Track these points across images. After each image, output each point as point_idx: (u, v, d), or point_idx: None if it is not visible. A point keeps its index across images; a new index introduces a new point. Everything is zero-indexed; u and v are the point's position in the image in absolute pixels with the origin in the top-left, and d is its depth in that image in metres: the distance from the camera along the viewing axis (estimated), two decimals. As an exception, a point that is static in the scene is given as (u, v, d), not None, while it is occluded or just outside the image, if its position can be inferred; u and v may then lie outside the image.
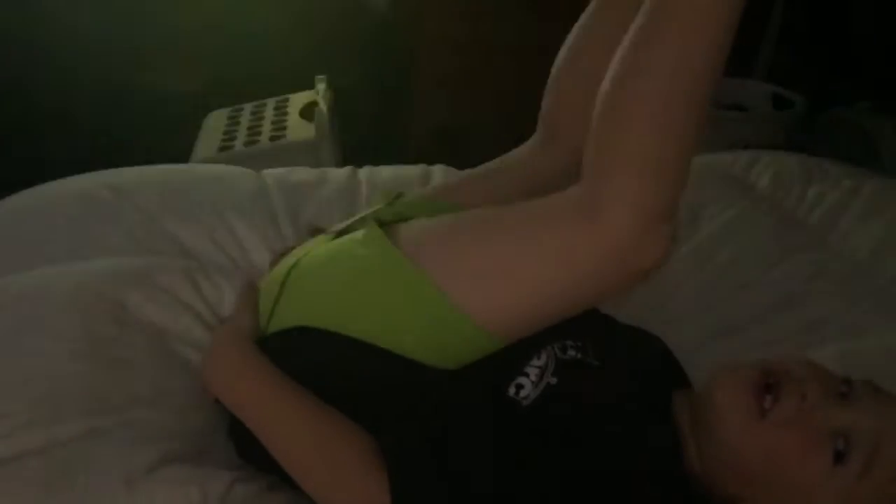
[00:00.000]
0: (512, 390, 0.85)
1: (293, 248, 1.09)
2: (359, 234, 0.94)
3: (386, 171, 1.55)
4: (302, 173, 1.48)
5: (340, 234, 1.01)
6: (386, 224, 0.95)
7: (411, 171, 1.56)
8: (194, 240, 1.23)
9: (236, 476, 0.89)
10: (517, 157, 1.14)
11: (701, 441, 0.85)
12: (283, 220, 1.31)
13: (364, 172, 1.53)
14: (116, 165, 1.44)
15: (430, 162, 1.63)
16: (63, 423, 0.86)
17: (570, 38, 1.08)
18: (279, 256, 1.12)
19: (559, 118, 1.08)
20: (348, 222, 1.04)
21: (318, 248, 0.99)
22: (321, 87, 2.15)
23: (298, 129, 2.06)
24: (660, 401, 0.90)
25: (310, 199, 1.38)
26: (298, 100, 2.20)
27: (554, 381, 0.85)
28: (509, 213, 0.86)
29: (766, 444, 0.80)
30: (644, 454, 0.83)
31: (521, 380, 0.85)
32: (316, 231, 1.15)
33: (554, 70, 1.09)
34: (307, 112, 2.11)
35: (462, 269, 0.84)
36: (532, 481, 0.76)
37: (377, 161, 1.62)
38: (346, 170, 1.53)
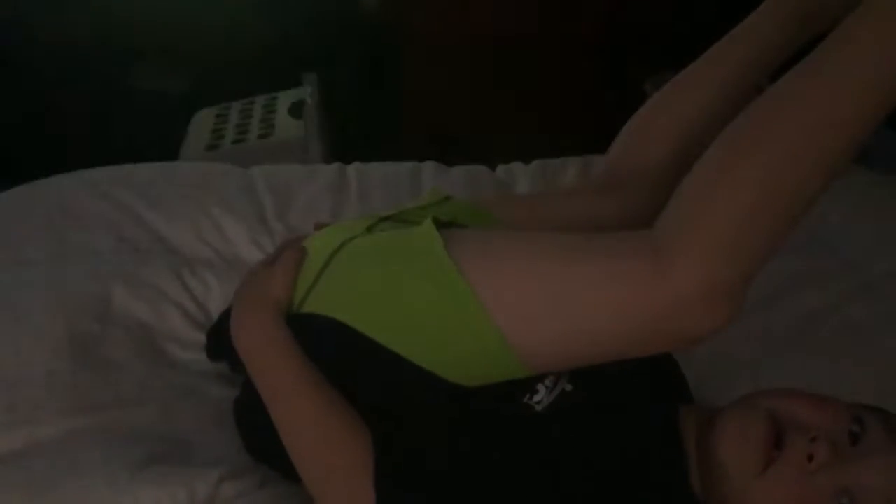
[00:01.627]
0: (527, 397, 0.84)
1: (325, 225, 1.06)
2: (413, 232, 0.88)
3: (375, 168, 1.54)
4: (290, 170, 1.47)
5: (384, 219, 0.98)
6: (440, 225, 0.88)
7: (401, 168, 1.55)
8: (179, 236, 1.21)
9: (224, 474, 0.87)
10: (578, 193, 1.12)
11: (703, 474, 0.83)
12: (271, 216, 1.29)
13: (353, 169, 1.52)
14: (103, 164, 1.42)
15: (421, 160, 1.62)
16: (44, 425, 0.85)
17: (659, 94, 1.07)
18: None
19: (627, 170, 1.06)
20: (396, 209, 1.01)
21: (362, 232, 0.94)
22: (310, 84, 2.14)
23: (287, 128, 2.04)
24: (670, 414, 0.88)
25: (298, 194, 1.36)
26: (287, 98, 2.18)
27: (569, 387, 0.85)
28: (572, 247, 0.79)
29: (767, 503, 0.78)
30: (652, 467, 0.82)
31: (538, 386, 0.84)
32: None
33: (634, 120, 1.08)
34: (296, 110, 2.10)
35: (514, 299, 0.78)
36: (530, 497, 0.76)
37: (367, 159, 1.61)
38: (335, 166, 1.51)
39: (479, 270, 0.79)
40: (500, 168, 1.59)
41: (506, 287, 0.78)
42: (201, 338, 1.06)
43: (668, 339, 0.76)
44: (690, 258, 0.70)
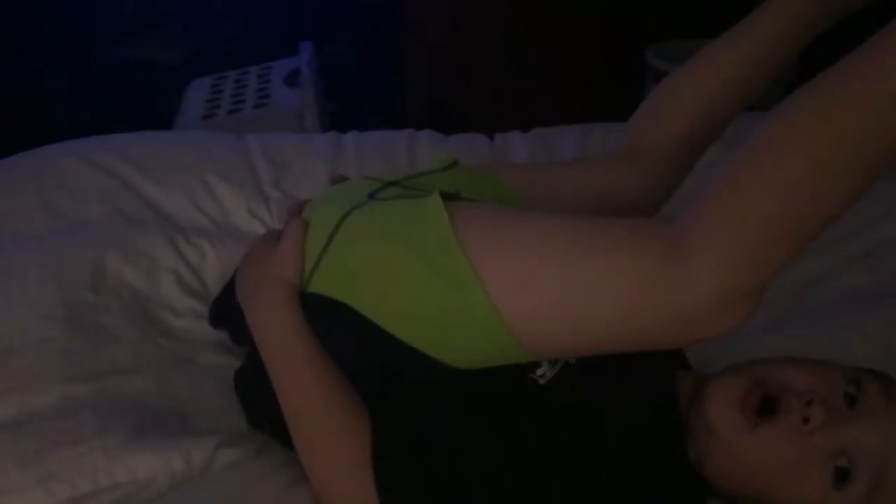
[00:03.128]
0: (530, 370, 0.83)
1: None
2: (420, 206, 0.84)
3: (371, 137, 1.53)
4: (285, 138, 1.46)
5: (390, 184, 0.96)
6: (447, 197, 0.84)
7: (397, 136, 1.53)
8: (174, 204, 1.20)
9: (220, 441, 0.87)
10: (597, 163, 1.09)
11: (696, 440, 0.83)
12: (267, 183, 1.28)
13: (349, 137, 1.51)
14: (99, 134, 1.41)
15: (418, 128, 1.60)
16: (38, 393, 0.85)
17: (678, 69, 1.04)
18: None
19: (646, 146, 1.03)
20: (402, 174, 0.99)
21: (364, 200, 0.91)
22: (305, 53, 2.12)
23: (283, 97, 2.03)
24: (668, 384, 0.88)
25: (294, 162, 1.35)
26: (283, 67, 2.17)
27: (573, 360, 0.84)
28: (585, 235, 0.75)
29: (759, 458, 0.78)
30: (650, 438, 0.82)
31: (542, 360, 0.83)
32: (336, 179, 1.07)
33: (657, 90, 1.05)
34: (291, 79, 2.08)
35: (519, 286, 0.75)
36: (530, 479, 0.75)
37: (364, 128, 1.59)
38: (331, 134, 1.50)
39: (484, 253, 0.77)
40: (498, 136, 1.58)
41: (512, 273, 0.75)
42: (196, 305, 1.05)
43: (677, 339, 0.74)
44: (708, 262, 0.67)
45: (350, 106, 2.32)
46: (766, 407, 0.79)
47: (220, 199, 1.23)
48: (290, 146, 1.40)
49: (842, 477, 0.75)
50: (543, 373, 0.83)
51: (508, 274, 0.75)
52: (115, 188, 1.20)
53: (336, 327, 0.83)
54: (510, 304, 0.75)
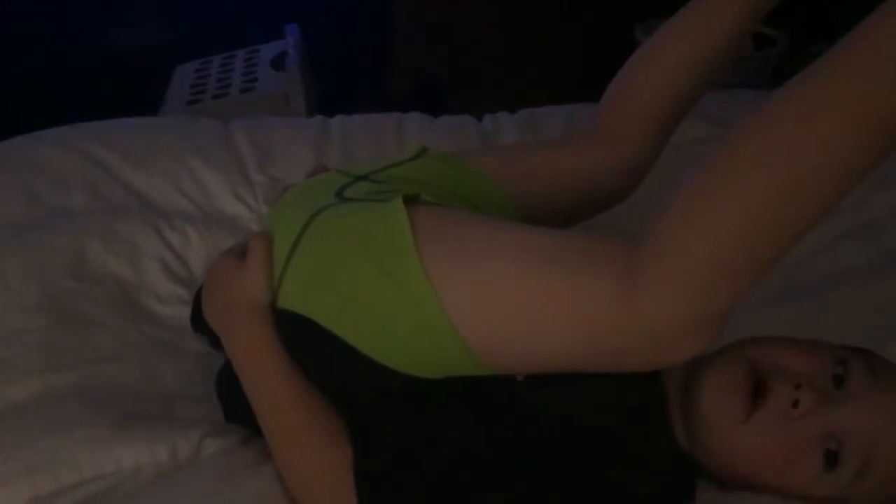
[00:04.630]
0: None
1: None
2: (381, 213, 0.82)
3: (358, 120, 1.51)
4: (271, 122, 1.44)
5: (360, 178, 0.94)
6: (410, 199, 0.83)
7: (385, 119, 1.52)
8: (157, 190, 1.19)
9: (206, 431, 0.86)
10: (569, 146, 1.08)
11: (689, 425, 0.82)
12: (252, 168, 1.27)
13: (336, 121, 1.49)
14: (80, 122, 1.39)
15: (406, 111, 1.58)
16: (19, 384, 0.84)
17: (646, 45, 1.02)
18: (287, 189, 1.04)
19: (619, 123, 1.01)
20: (372, 167, 0.98)
21: (331, 200, 0.89)
22: (292, 36, 2.09)
23: (269, 81, 2.00)
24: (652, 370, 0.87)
25: (279, 147, 1.34)
26: (269, 50, 2.14)
27: None
28: (545, 253, 0.74)
29: (751, 448, 0.77)
30: (636, 425, 0.80)
31: None
32: (320, 170, 1.06)
33: (622, 74, 1.03)
34: (278, 62, 2.06)
35: (476, 304, 0.74)
36: (510, 483, 0.75)
37: (351, 112, 1.58)
38: (317, 118, 1.49)
39: (444, 267, 0.75)
40: (487, 118, 1.56)
41: (470, 290, 0.74)
42: (182, 292, 1.04)
43: (635, 365, 0.73)
44: (664, 295, 0.65)
45: (338, 89, 2.30)
46: (757, 390, 0.78)
47: (205, 185, 1.22)
48: (275, 131, 1.39)
49: (832, 459, 0.74)
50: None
51: (466, 290, 0.75)
52: (97, 175, 1.19)
53: (304, 343, 0.82)
54: (468, 321, 0.74)
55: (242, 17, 2.35)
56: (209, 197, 1.21)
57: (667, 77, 0.99)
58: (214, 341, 0.93)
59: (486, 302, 0.74)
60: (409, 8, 2.48)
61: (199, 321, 0.97)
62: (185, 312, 1.01)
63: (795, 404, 0.75)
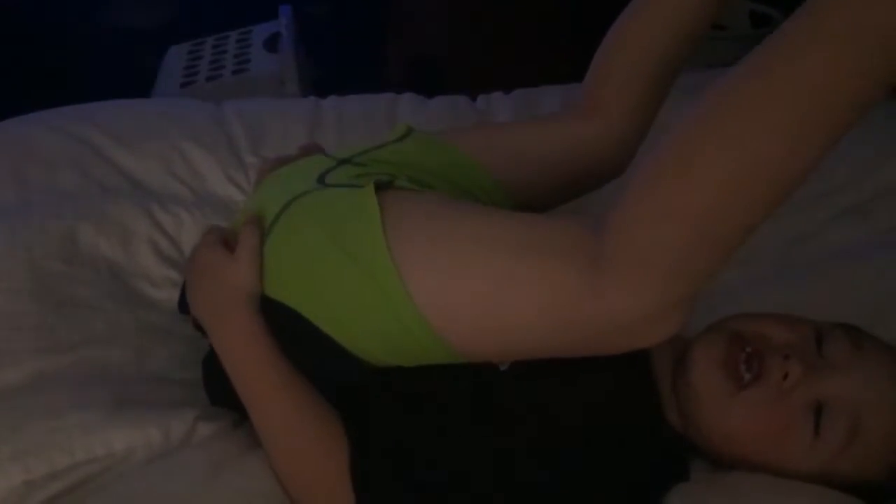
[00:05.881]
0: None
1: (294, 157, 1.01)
2: (354, 201, 0.81)
3: (351, 101, 1.50)
4: (263, 104, 1.43)
5: (343, 161, 0.93)
6: (384, 187, 0.83)
7: (378, 100, 1.51)
8: (149, 172, 1.18)
9: (199, 414, 0.86)
10: (555, 120, 1.07)
11: (682, 403, 0.82)
12: (244, 149, 1.26)
13: (328, 102, 1.48)
14: (74, 103, 1.38)
15: (400, 92, 1.57)
16: (11, 368, 0.83)
17: (626, 12, 1.00)
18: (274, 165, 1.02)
19: (604, 93, 1.00)
20: (356, 149, 0.96)
21: (311, 186, 0.88)
22: (285, 17, 2.08)
23: (262, 62, 1.99)
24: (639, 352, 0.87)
25: (272, 128, 1.33)
26: (262, 31, 2.13)
27: None
28: (514, 239, 0.74)
29: (744, 422, 0.78)
30: (624, 406, 0.81)
31: None
32: (311, 149, 1.05)
33: (605, 42, 1.01)
34: (271, 44, 2.04)
35: (446, 292, 0.74)
36: (506, 475, 0.74)
37: (345, 93, 1.57)
38: (310, 99, 1.48)
39: (413, 256, 0.75)
40: (481, 98, 1.55)
41: (438, 279, 0.74)
42: (174, 275, 1.04)
43: (605, 349, 0.73)
44: (629, 281, 0.65)
45: (331, 69, 2.28)
46: (747, 363, 0.79)
47: (196, 167, 1.21)
48: (267, 112, 1.38)
49: (821, 425, 0.75)
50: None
51: (434, 279, 0.74)
52: (88, 157, 1.18)
53: (284, 331, 0.81)
54: (436, 309, 0.74)
55: (235, -3, 2.33)
56: (201, 179, 1.20)
57: (651, 37, 0.97)
58: (200, 328, 0.91)
59: (453, 290, 0.74)
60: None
61: (186, 304, 0.96)
62: (177, 295, 1.00)
63: (785, 377, 0.76)
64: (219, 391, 0.87)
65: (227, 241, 0.88)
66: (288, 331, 0.81)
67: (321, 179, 0.90)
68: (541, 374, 0.79)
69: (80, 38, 2.30)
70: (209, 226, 0.99)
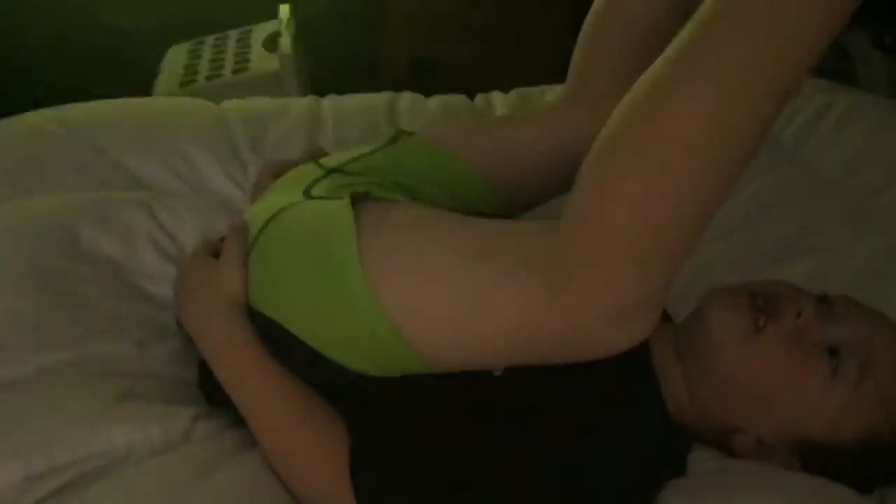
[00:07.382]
0: None
1: (296, 163, 1.02)
2: (331, 215, 0.82)
3: (350, 101, 1.51)
4: (263, 103, 1.44)
5: (333, 171, 0.94)
6: (362, 198, 0.84)
7: (377, 99, 1.51)
8: (149, 170, 1.19)
9: (199, 412, 0.86)
10: (543, 112, 1.07)
11: (690, 372, 0.83)
12: (244, 148, 1.27)
13: (328, 101, 1.49)
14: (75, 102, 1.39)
15: (400, 90, 1.58)
16: (13, 364, 0.84)
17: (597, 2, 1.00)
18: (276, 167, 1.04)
19: (589, 76, 1.01)
20: (346, 156, 0.97)
21: (297, 198, 0.89)
22: (284, 16, 2.08)
23: (262, 62, 2.00)
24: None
25: (271, 127, 1.34)
26: (261, 31, 2.14)
27: None
28: (479, 247, 0.75)
29: (764, 363, 0.80)
30: (621, 407, 0.81)
31: None
32: (315, 153, 1.06)
33: (586, 25, 1.01)
34: (271, 43, 2.05)
35: (416, 304, 0.75)
36: (505, 474, 0.74)
37: (344, 92, 1.57)
38: (309, 99, 1.48)
39: (385, 270, 0.76)
40: (479, 97, 1.56)
41: (409, 291, 0.75)
42: (174, 272, 1.04)
43: (573, 356, 0.73)
44: (590, 285, 0.66)
45: (331, 68, 2.29)
46: (760, 310, 0.82)
47: (197, 165, 1.22)
48: (267, 111, 1.39)
49: (836, 365, 0.78)
50: None
51: (406, 291, 0.75)
52: (89, 155, 1.19)
53: (275, 343, 0.82)
54: (408, 323, 0.75)
55: (234, -3, 2.33)
56: (201, 177, 1.21)
57: (636, 18, 0.97)
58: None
59: (422, 302, 0.75)
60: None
61: None
62: (177, 292, 1.01)
63: (798, 316, 0.80)
64: (215, 392, 0.88)
65: (216, 251, 0.89)
66: (277, 343, 0.82)
67: (307, 192, 0.91)
68: (538, 375, 0.79)
69: (80, 37, 2.30)
70: (208, 227, 1.00)
